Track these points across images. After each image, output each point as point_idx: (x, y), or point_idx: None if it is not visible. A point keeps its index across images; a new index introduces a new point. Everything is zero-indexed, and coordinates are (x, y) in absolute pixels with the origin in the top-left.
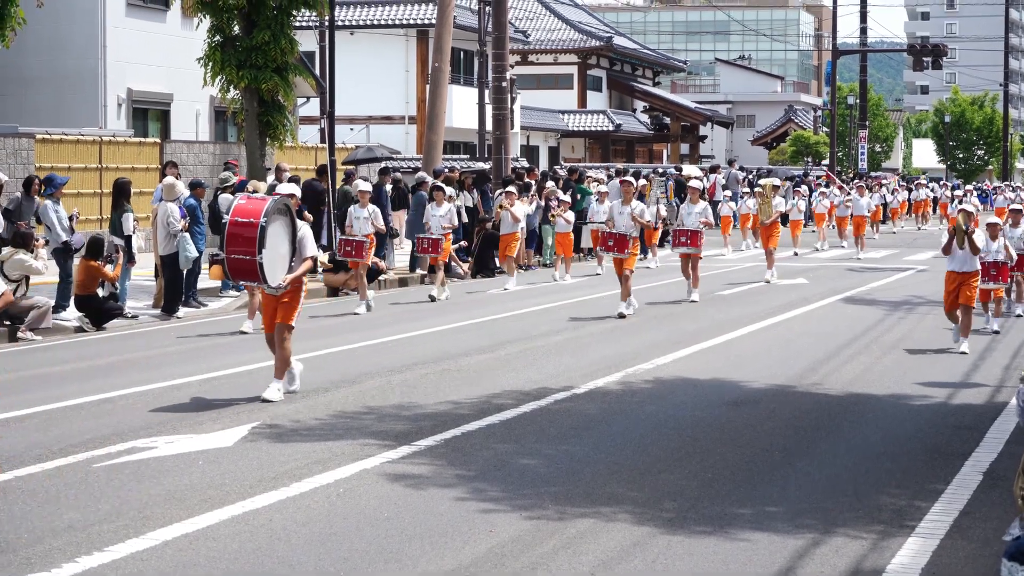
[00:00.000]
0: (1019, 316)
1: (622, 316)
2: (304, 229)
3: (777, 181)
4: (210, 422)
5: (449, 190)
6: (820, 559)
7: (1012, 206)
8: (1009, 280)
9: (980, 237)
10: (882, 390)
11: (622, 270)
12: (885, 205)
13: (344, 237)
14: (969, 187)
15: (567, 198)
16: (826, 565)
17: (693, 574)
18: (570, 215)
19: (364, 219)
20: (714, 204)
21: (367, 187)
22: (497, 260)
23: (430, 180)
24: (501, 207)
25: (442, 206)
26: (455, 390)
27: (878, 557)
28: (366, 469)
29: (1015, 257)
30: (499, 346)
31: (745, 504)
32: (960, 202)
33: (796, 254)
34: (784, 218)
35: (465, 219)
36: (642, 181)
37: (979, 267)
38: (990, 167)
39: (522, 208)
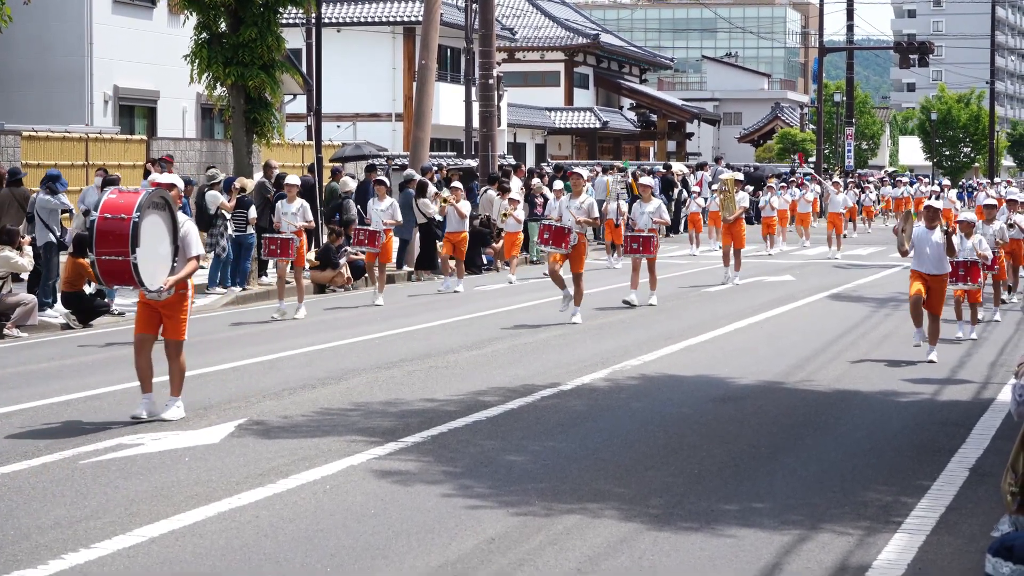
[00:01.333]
0: (997, 321)
1: (567, 312)
2: (187, 225)
3: (740, 175)
4: (196, 419)
5: (433, 188)
6: (807, 555)
7: (985, 201)
8: (980, 282)
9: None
10: (869, 386)
11: (559, 266)
12: (859, 203)
13: (269, 235)
14: (946, 182)
15: (518, 196)
16: (812, 561)
17: (680, 570)
18: (520, 214)
19: (293, 215)
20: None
21: (295, 180)
22: (484, 257)
23: (417, 177)
24: (446, 201)
25: (384, 200)
26: (442, 387)
27: (864, 553)
28: (353, 466)
29: (990, 257)
30: (485, 343)
31: (731, 500)
32: (937, 198)
33: (770, 254)
34: (757, 215)
35: None
36: (615, 176)
37: (950, 269)
38: (976, 164)
39: (467, 205)
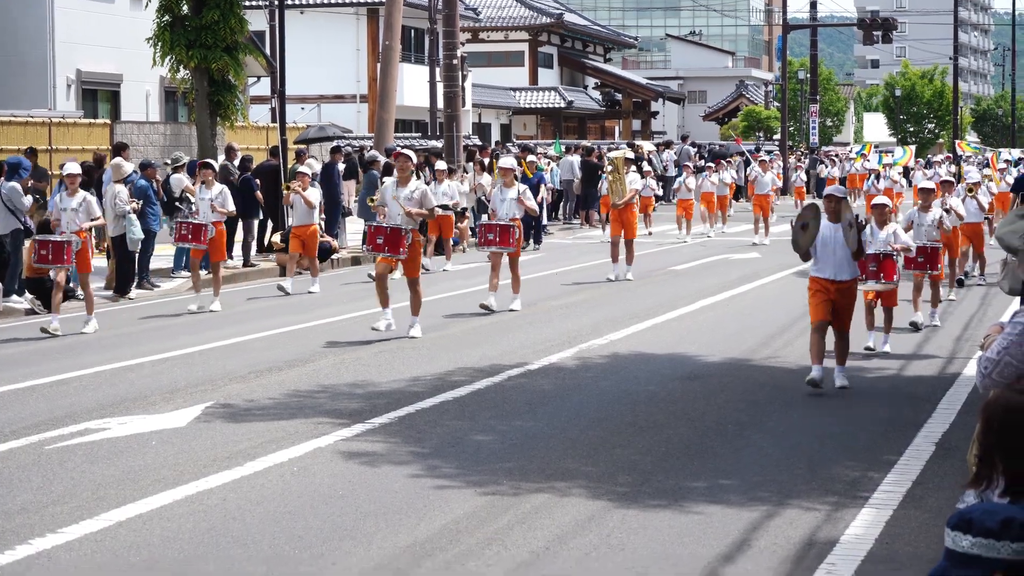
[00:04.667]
0: (937, 326)
1: (378, 330)
2: None
3: (631, 153)
4: (163, 402)
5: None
6: (774, 531)
7: (921, 185)
8: (896, 278)
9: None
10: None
11: (391, 270)
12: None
13: (42, 237)
14: (888, 160)
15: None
16: (780, 537)
17: (648, 548)
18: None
19: (73, 211)
20: (668, 180)
21: (73, 168)
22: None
23: (382, 158)
24: (288, 188)
25: (212, 187)
26: (409, 368)
27: (832, 528)
28: (320, 447)
29: (913, 249)
30: (452, 323)
31: (699, 478)
32: (878, 178)
33: (685, 240)
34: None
35: None
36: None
37: (857, 274)
38: (940, 140)
39: (316, 193)
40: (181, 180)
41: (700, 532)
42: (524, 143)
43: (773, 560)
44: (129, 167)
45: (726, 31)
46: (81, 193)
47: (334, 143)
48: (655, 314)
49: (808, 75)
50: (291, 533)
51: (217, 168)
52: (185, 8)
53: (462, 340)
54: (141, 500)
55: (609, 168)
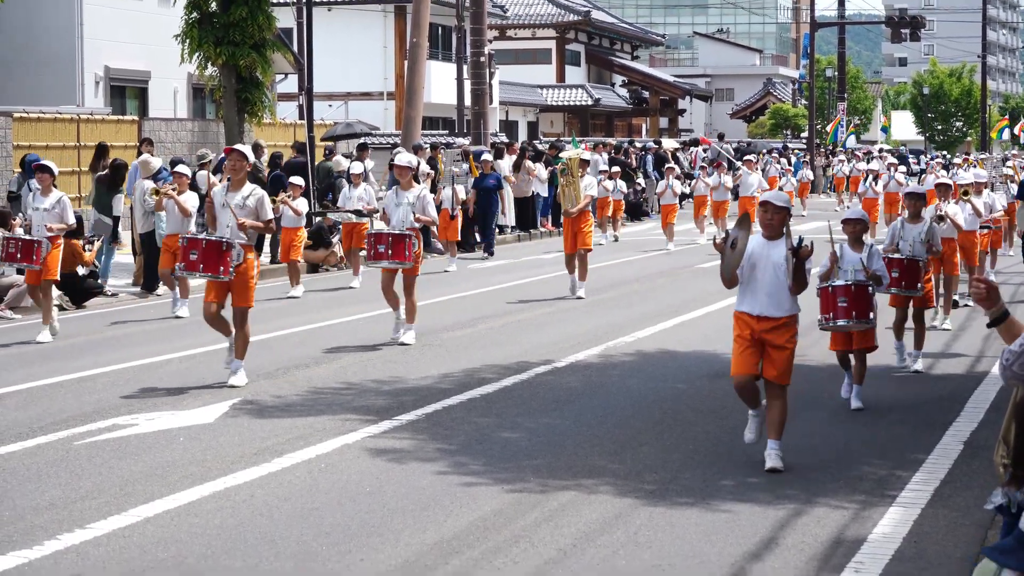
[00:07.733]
0: (918, 371)
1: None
2: None
3: (587, 155)
4: (190, 399)
5: (426, 168)
6: (802, 529)
7: (906, 190)
8: (871, 316)
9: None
10: None
11: (219, 306)
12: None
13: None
14: (893, 160)
15: (299, 181)
16: (808, 535)
17: (675, 546)
18: (303, 204)
19: None
20: (692, 178)
21: None
22: (477, 235)
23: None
24: (159, 194)
25: (49, 195)
26: (436, 365)
27: (860, 527)
28: (348, 444)
29: (884, 279)
30: (479, 321)
31: (726, 476)
32: (875, 179)
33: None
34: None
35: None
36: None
37: (796, 310)
38: (969, 139)
39: (193, 199)
40: (207, 177)
41: (727, 530)
42: (551, 140)
43: (801, 559)
44: (157, 163)
45: (754, 28)
46: None
47: (361, 140)
48: (681, 312)
49: (836, 73)
50: (318, 529)
51: (56, 171)
52: (213, 5)
53: (489, 337)
54: (169, 496)
55: (562, 171)
